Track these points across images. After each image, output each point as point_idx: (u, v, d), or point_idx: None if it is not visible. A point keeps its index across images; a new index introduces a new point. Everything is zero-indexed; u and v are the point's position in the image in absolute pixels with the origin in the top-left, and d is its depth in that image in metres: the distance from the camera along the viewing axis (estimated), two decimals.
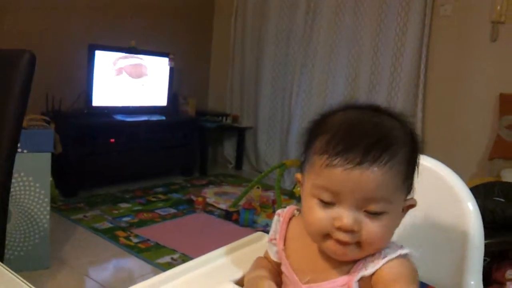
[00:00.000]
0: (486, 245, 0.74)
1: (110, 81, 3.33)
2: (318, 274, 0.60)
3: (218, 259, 0.77)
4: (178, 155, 3.72)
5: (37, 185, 1.95)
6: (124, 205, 2.93)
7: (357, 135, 0.55)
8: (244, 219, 2.71)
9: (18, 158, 1.84)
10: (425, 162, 0.61)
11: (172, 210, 2.91)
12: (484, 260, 0.76)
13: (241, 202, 2.90)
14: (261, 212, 2.89)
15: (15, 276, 0.66)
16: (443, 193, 0.76)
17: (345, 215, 0.54)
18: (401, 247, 0.58)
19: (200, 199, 3.00)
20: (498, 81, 2.84)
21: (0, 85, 1.00)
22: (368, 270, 0.56)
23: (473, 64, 2.95)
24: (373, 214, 0.54)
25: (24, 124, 2.36)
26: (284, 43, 3.87)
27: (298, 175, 0.63)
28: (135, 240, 2.38)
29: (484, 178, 2.51)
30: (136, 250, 2.25)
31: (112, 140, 3.20)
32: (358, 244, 0.55)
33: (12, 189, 1.85)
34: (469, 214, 0.74)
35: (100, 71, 3.23)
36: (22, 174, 1.90)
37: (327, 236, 0.56)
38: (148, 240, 2.39)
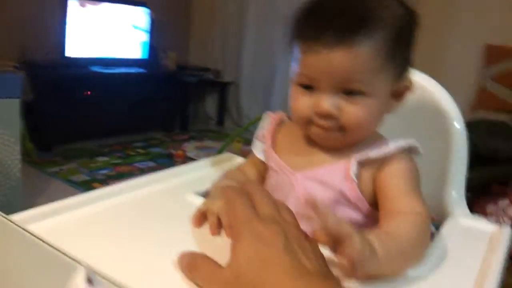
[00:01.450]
0: (468, 180, 0.71)
1: (85, 30, 3.18)
2: (312, 163, 0.59)
3: (183, 175, 0.73)
4: (158, 110, 3.62)
5: (6, 132, 1.87)
6: (101, 159, 2.85)
7: (330, 15, 0.51)
8: None
9: None
10: (414, 76, 0.59)
11: (151, 164, 2.85)
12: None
13: None
14: None
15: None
16: (429, 108, 0.72)
17: (322, 100, 0.53)
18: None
19: (180, 152, 2.95)
20: (483, 32, 2.77)
21: None
22: (373, 152, 0.55)
23: (458, 15, 2.87)
24: (352, 97, 0.52)
25: None
26: None
27: None
28: None
29: None
30: None
31: (89, 92, 3.08)
32: (341, 128, 0.54)
33: None
34: (455, 131, 0.71)
35: (74, 19, 3.07)
36: None
37: (310, 122, 0.56)
38: None
